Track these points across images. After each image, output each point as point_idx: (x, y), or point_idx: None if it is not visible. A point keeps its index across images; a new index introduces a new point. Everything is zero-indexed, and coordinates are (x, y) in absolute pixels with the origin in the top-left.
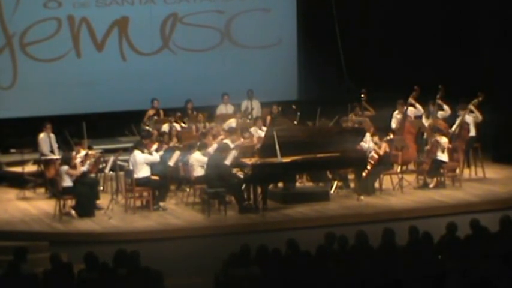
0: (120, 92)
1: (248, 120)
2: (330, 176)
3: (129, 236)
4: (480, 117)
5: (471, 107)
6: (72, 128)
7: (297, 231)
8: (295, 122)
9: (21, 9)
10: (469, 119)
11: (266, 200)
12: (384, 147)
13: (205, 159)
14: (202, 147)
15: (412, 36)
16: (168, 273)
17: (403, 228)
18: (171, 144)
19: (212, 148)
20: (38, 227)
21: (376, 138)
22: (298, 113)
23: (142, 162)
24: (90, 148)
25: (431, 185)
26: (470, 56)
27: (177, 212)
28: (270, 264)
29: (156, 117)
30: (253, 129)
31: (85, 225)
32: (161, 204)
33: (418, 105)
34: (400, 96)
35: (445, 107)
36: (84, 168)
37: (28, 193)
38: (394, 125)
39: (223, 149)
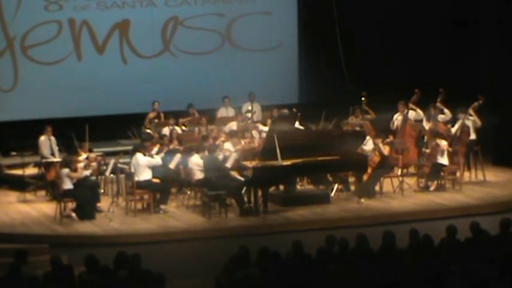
0: (121, 95)
1: (249, 122)
2: (330, 178)
3: (129, 239)
4: (479, 122)
5: (470, 111)
6: (74, 131)
7: (298, 233)
8: (299, 125)
9: (22, 12)
10: (469, 122)
11: (267, 202)
12: (387, 149)
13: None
14: (213, 150)
15: (413, 39)
16: (169, 275)
17: (403, 231)
18: (172, 147)
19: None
20: (39, 229)
21: (379, 141)
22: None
23: (144, 165)
24: (90, 151)
25: (432, 188)
26: (470, 59)
27: (178, 214)
28: (270, 266)
29: (156, 120)
30: (254, 132)
31: (86, 227)
32: (162, 207)
33: (418, 110)
34: (400, 99)
35: (446, 110)
36: (87, 173)
37: (29, 196)
38: (392, 126)
39: (213, 150)
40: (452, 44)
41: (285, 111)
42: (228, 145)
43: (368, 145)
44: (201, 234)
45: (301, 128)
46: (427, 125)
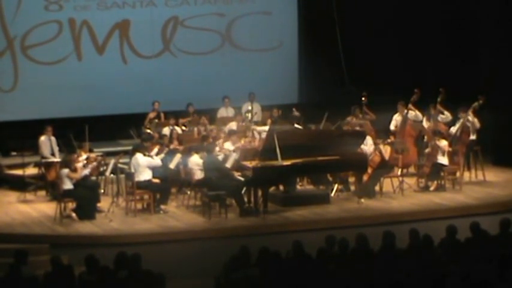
0: (121, 95)
1: (249, 122)
2: (330, 179)
3: (129, 239)
4: (478, 124)
5: (469, 113)
6: (74, 131)
7: (298, 233)
8: (298, 125)
9: (22, 12)
10: (470, 122)
11: (267, 202)
12: (389, 151)
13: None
14: (211, 149)
15: (413, 39)
16: (169, 275)
17: (403, 231)
18: (172, 147)
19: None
20: (39, 229)
21: (380, 141)
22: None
23: (144, 166)
24: (91, 151)
25: (432, 188)
26: (470, 59)
27: (178, 214)
28: (270, 266)
29: (156, 120)
30: (254, 132)
31: (86, 227)
32: (162, 207)
33: (417, 112)
34: (400, 99)
35: (446, 112)
36: (86, 172)
37: (29, 196)
38: (392, 127)
39: (211, 150)
40: (452, 44)
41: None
42: (227, 145)
43: (368, 145)
44: (201, 234)
45: (301, 127)
46: (427, 125)
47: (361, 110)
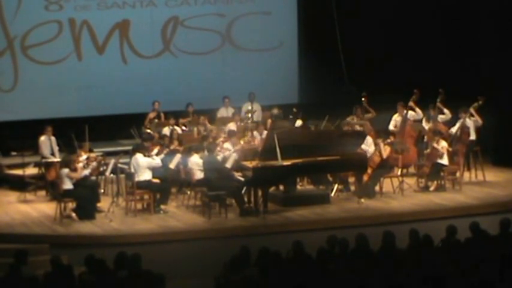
0: (121, 94)
1: (249, 123)
2: (330, 179)
3: (129, 239)
4: (480, 122)
5: (471, 110)
6: (74, 131)
7: (298, 233)
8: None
9: (22, 11)
10: (470, 122)
11: (267, 202)
12: (388, 151)
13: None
14: (211, 149)
15: (413, 40)
16: (169, 275)
17: (403, 231)
18: (172, 147)
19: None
20: (39, 229)
21: (380, 141)
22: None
23: (144, 166)
24: (91, 151)
25: (432, 188)
26: (470, 59)
27: (178, 214)
28: (270, 267)
29: (157, 120)
30: (255, 133)
31: (86, 227)
32: (162, 207)
33: (417, 110)
34: (400, 99)
35: (446, 111)
36: (86, 172)
37: (29, 196)
38: (391, 127)
39: (211, 150)
40: (452, 44)
41: (275, 111)
42: (227, 145)
43: (368, 145)
44: (201, 234)
45: (304, 127)
46: (426, 125)
47: (361, 109)
